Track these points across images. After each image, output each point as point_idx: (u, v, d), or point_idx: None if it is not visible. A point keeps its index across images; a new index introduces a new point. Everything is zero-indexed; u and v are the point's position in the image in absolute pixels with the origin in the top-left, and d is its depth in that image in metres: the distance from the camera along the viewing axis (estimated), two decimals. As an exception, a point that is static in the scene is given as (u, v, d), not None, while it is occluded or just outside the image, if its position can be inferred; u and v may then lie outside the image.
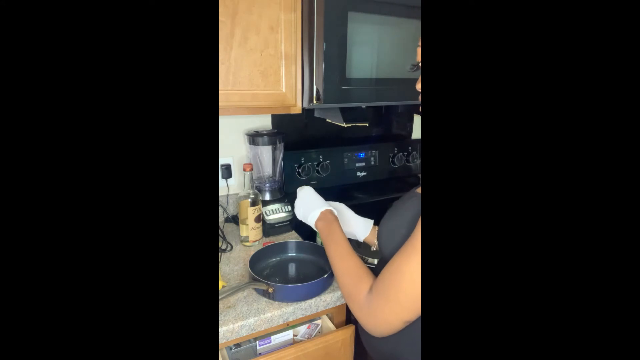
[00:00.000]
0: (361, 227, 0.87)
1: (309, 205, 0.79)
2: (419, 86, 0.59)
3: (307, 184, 1.22)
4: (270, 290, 0.78)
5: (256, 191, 1.04)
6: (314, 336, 0.88)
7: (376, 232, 0.82)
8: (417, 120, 1.41)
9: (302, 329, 0.89)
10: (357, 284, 0.60)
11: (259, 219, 1.05)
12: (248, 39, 0.86)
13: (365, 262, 0.89)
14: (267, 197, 1.13)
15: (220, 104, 0.85)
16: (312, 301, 0.81)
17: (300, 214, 0.80)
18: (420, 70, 0.59)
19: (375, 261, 0.89)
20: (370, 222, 0.89)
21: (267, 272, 0.92)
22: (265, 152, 1.12)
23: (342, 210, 0.89)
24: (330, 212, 0.76)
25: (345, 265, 0.64)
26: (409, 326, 0.58)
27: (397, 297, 0.52)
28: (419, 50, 0.57)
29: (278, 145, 1.12)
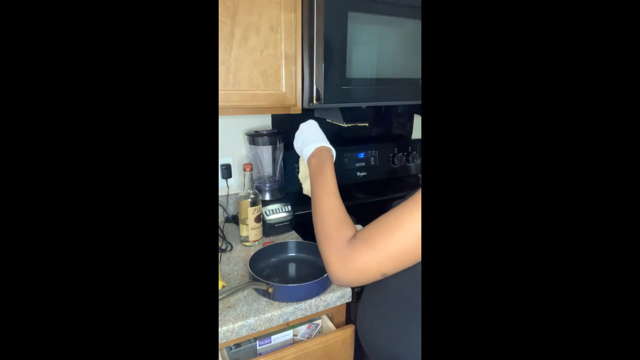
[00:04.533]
0: None
1: (308, 138, 0.72)
2: None
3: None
4: (270, 290, 0.78)
5: (256, 191, 1.04)
6: (314, 336, 0.88)
7: None
8: (417, 120, 1.41)
9: (302, 329, 0.89)
10: (340, 226, 0.56)
11: (259, 219, 1.05)
12: (248, 39, 0.86)
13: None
14: (267, 197, 1.13)
15: (220, 104, 0.85)
16: (312, 301, 0.81)
17: (297, 146, 0.73)
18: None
19: None
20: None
21: (267, 272, 0.92)
22: (265, 152, 1.12)
23: None
24: (327, 150, 0.70)
25: (331, 205, 0.60)
26: (407, 325, 0.57)
27: (386, 246, 0.49)
28: None
29: (278, 145, 1.12)
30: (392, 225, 0.50)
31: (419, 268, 0.51)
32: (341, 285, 0.57)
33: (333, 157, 0.70)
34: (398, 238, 0.49)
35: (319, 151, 0.68)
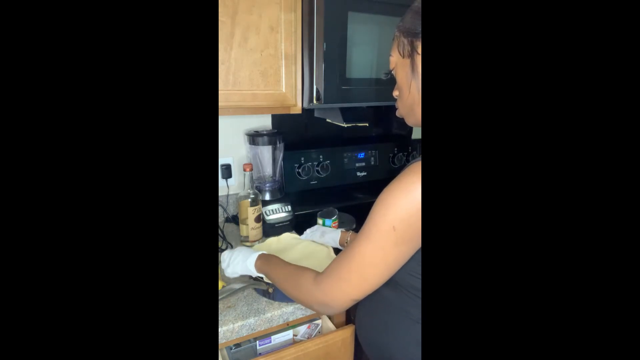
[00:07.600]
0: (332, 237, 0.98)
1: (244, 255, 0.79)
2: (395, 93, 0.64)
3: (307, 184, 1.23)
4: (270, 290, 0.78)
5: (256, 191, 1.04)
6: (314, 336, 0.88)
7: (346, 236, 0.95)
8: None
9: (302, 329, 0.89)
10: (300, 275, 0.65)
11: (259, 219, 1.05)
12: (248, 39, 0.86)
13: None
14: (267, 197, 1.13)
15: (220, 104, 0.85)
16: (312, 301, 0.81)
17: (239, 269, 0.79)
18: (393, 78, 0.64)
19: None
20: (338, 231, 0.99)
21: (267, 272, 0.91)
22: (265, 152, 1.12)
23: (315, 229, 1.04)
24: (263, 252, 0.78)
25: (286, 271, 0.69)
26: (399, 323, 0.60)
27: (348, 276, 0.56)
28: (392, 59, 0.62)
29: (278, 145, 1.12)
30: (348, 257, 0.56)
31: (397, 278, 0.57)
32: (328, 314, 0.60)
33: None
34: (354, 269, 0.55)
35: (260, 256, 0.78)
